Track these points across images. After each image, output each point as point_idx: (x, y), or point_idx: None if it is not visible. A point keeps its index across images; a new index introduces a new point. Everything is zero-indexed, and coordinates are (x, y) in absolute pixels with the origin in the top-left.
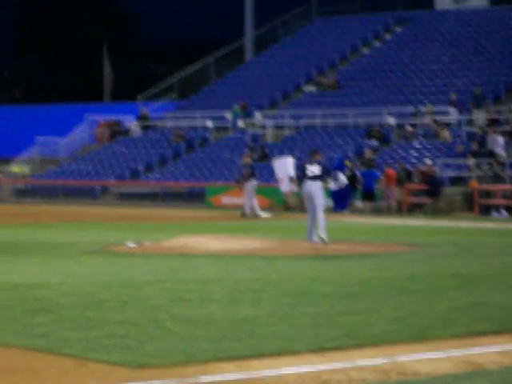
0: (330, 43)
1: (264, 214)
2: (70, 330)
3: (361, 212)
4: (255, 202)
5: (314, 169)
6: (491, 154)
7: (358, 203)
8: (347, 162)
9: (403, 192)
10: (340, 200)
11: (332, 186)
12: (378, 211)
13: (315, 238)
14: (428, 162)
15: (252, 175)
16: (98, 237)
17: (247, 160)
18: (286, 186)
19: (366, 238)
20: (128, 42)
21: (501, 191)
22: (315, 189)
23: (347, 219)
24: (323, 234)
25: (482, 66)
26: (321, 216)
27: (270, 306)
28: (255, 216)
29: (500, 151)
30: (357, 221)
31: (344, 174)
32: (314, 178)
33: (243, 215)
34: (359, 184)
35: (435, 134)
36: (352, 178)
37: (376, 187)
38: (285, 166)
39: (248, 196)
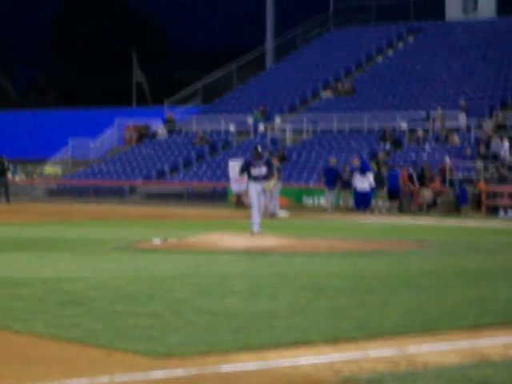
0: (346, 51)
1: (282, 214)
2: (98, 321)
3: (386, 211)
4: (277, 202)
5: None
6: (496, 157)
7: (381, 203)
8: (373, 165)
9: (415, 191)
10: (362, 200)
11: (362, 185)
12: (395, 211)
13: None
14: (447, 160)
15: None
16: (125, 234)
17: (276, 163)
18: (239, 186)
19: (380, 236)
20: (155, 50)
21: (507, 192)
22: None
23: (365, 219)
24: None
25: (489, 73)
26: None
27: (288, 299)
28: (273, 215)
29: (505, 154)
30: (372, 220)
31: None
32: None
33: (272, 215)
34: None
35: (445, 138)
36: (378, 179)
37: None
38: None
39: (273, 196)
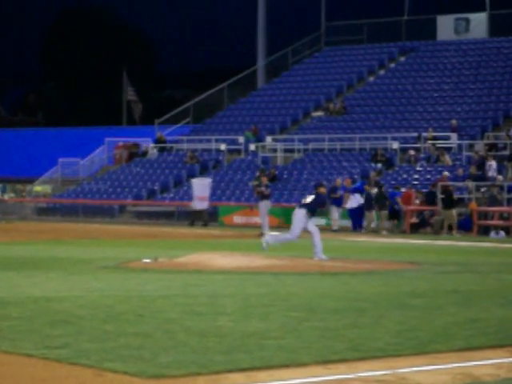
0: (338, 71)
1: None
2: (87, 341)
3: (388, 231)
4: (266, 221)
5: (307, 198)
6: (487, 178)
7: (386, 223)
8: (367, 187)
9: (407, 212)
10: (357, 219)
11: (350, 204)
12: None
13: (322, 256)
14: (445, 173)
15: (265, 198)
16: (115, 253)
17: (264, 181)
18: (201, 204)
19: (371, 256)
20: (146, 69)
21: (498, 213)
22: (295, 215)
23: (359, 238)
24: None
25: (481, 93)
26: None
27: (279, 320)
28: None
29: (493, 175)
30: (363, 240)
31: (362, 195)
32: (301, 205)
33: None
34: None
35: (436, 158)
36: (368, 200)
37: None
38: (203, 187)
39: (262, 215)
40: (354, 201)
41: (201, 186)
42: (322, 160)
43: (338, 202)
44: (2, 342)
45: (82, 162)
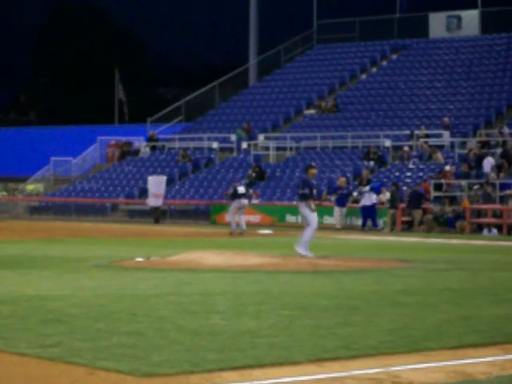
0: (329, 69)
1: (264, 231)
2: (80, 339)
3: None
4: (242, 219)
5: (303, 189)
6: (483, 175)
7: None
8: (383, 189)
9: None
10: (367, 217)
11: (363, 202)
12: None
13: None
14: (448, 168)
15: (235, 197)
16: (107, 252)
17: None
18: (155, 201)
19: (364, 254)
20: (138, 68)
21: (491, 210)
22: (302, 208)
23: (359, 237)
24: (300, 249)
25: (473, 91)
26: (307, 233)
27: (271, 318)
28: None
29: (488, 172)
30: (357, 238)
31: (377, 195)
32: (301, 197)
33: (231, 234)
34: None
35: (429, 156)
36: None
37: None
38: (158, 184)
39: (231, 213)
40: (368, 198)
41: (156, 184)
42: (315, 158)
43: (342, 202)
44: None
45: (74, 160)
